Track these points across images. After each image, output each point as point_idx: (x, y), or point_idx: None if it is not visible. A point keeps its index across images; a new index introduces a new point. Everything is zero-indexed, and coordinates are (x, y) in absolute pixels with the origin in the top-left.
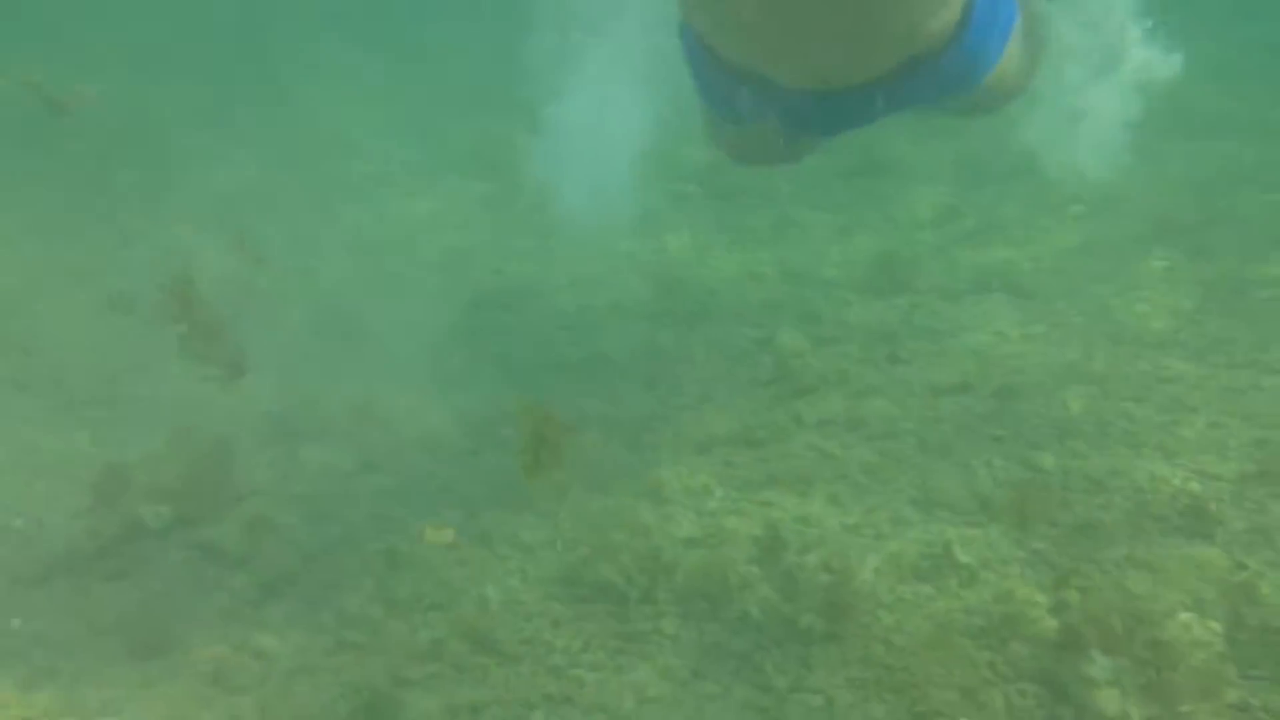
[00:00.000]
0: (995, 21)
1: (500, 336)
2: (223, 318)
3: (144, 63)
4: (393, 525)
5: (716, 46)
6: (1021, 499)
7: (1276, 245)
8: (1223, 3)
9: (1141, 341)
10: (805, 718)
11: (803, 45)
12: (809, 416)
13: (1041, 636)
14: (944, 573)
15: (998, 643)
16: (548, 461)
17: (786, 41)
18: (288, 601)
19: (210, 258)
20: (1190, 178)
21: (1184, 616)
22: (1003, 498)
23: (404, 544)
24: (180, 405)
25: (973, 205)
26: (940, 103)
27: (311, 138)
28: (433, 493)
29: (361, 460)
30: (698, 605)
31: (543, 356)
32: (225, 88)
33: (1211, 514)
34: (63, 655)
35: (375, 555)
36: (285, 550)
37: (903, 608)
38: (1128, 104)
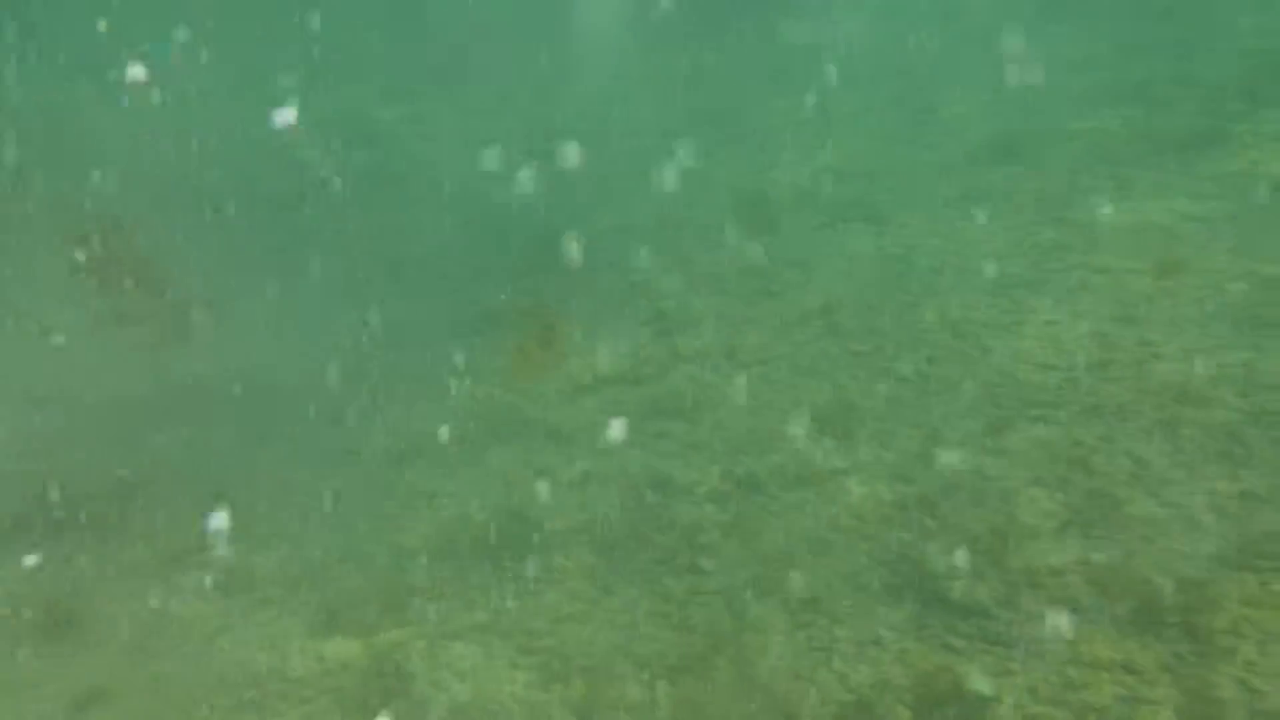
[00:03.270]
0: None
1: (386, 304)
2: None
3: None
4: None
5: None
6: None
7: (1102, 161)
8: None
9: (985, 253)
10: (708, 619)
11: None
12: (687, 350)
13: (908, 523)
14: (822, 479)
15: (872, 535)
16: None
17: None
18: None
19: None
20: (1024, 99)
21: (1032, 491)
22: (868, 406)
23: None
24: None
25: (831, 140)
26: None
27: None
28: (332, 453)
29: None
30: (601, 533)
31: (435, 317)
32: None
33: (1050, 400)
34: None
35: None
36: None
37: (788, 513)
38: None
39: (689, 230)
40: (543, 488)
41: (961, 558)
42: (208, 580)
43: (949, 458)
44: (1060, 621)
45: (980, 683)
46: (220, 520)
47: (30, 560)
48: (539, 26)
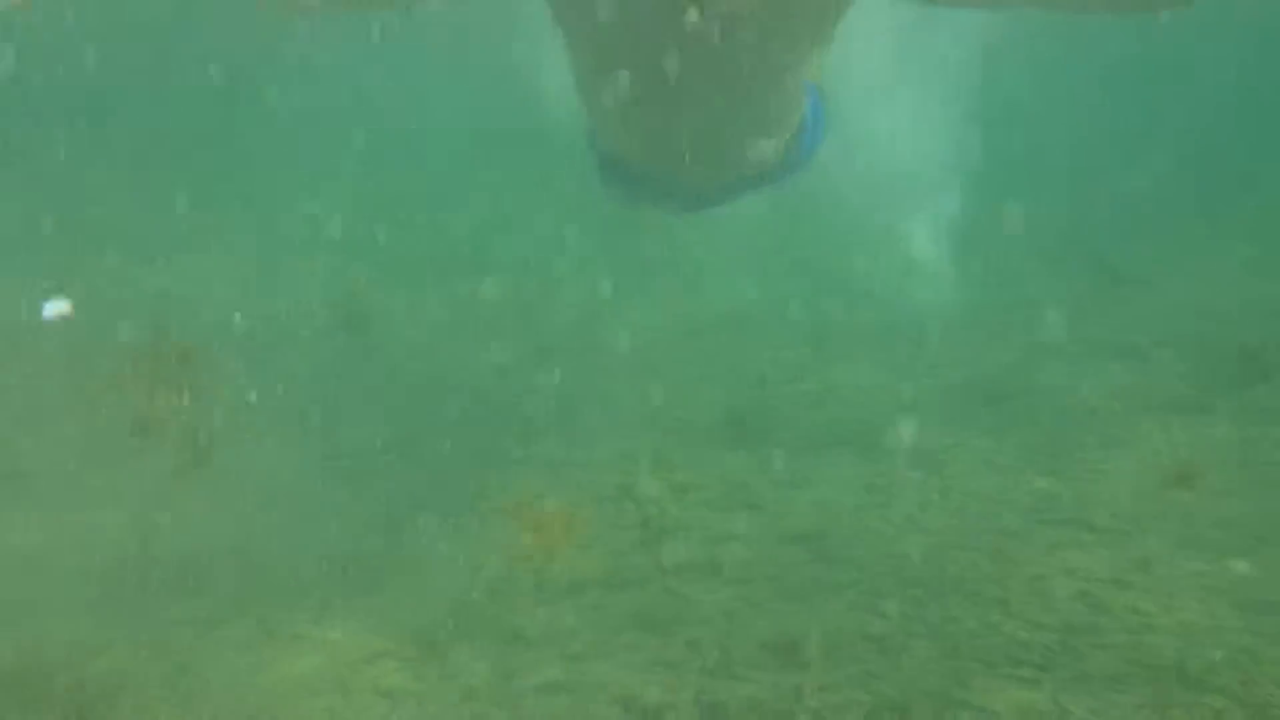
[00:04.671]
0: (817, 134)
1: (369, 483)
2: None
3: None
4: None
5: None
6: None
7: (1090, 417)
8: None
9: (972, 494)
10: None
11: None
12: (669, 561)
13: None
14: (796, 717)
15: None
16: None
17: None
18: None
19: None
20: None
21: None
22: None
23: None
24: None
25: (811, 368)
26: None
27: None
28: (297, 639)
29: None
30: None
31: (414, 502)
32: None
33: (1037, 661)
34: None
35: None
36: None
37: None
38: None
39: (672, 434)
40: (505, 694)
41: None
42: None
43: (928, 713)
44: None
45: None
46: None
47: None
48: None
